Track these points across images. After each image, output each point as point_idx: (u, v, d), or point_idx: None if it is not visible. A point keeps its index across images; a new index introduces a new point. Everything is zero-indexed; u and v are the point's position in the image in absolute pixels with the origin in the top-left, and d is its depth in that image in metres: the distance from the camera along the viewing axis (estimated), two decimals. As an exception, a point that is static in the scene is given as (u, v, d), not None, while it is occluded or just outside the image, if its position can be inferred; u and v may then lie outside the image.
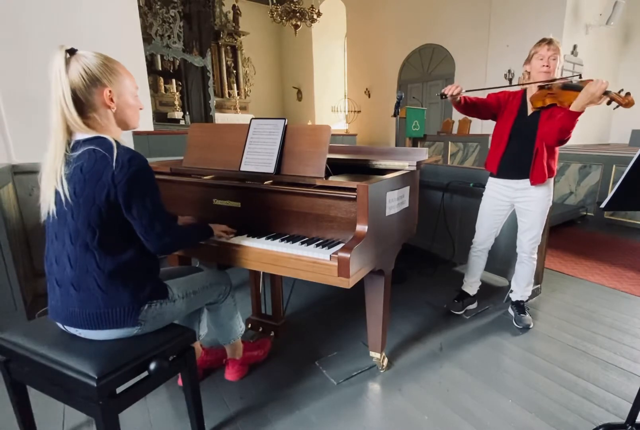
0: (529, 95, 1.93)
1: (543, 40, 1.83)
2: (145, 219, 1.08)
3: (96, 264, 1.06)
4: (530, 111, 1.91)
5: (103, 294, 1.07)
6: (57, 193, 1.04)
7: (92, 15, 2.97)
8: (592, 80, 1.66)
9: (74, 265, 1.07)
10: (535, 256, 2.14)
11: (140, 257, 1.13)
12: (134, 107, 1.16)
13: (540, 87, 1.86)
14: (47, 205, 1.06)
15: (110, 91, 1.08)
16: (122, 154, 1.03)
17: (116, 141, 1.06)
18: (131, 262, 1.11)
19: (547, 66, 1.81)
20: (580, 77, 1.79)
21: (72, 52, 1.05)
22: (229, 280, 1.55)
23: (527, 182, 1.95)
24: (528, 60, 1.91)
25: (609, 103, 1.62)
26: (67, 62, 1.03)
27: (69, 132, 1.05)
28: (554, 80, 1.82)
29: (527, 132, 1.89)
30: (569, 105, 1.72)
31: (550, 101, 1.81)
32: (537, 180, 1.92)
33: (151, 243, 1.13)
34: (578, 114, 1.67)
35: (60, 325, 1.15)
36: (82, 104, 1.05)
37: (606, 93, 1.59)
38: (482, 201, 2.16)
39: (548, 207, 2.03)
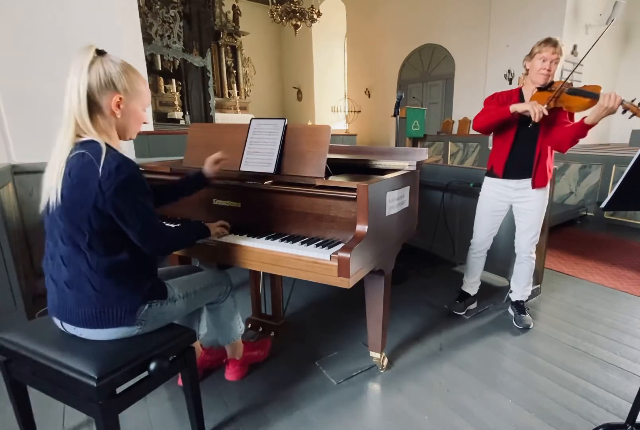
0: (525, 93, 1.93)
1: (549, 42, 1.77)
2: (139, 225, 1.07)
3: (88, 265, 1.06)
4: None
5: (97, 293, 1.07)
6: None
7: (92, 15, 2.97)
8: (597, 86, 1.68)
9: (67, 264, 1.07)
10: (534, 255, 2.15)
11: (134, 257, 1.12)
12: (138, 118, 1.16)
13: (540, 89, 1.85)
14: (47, 196, 1.04)
15: (120, 98, 1.08)
16: (110, 161, 1.01)
17: (108, 146, 1.05)
18: (125, 262, 1.10)
19: (548, 69, 1.78)
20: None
21: (101, 53, 1.06)
22: (229, 280, 1.55)
23: (527, 182, 1.95)
24: (530, 57, 1.86)
25: (623, 112, 1.64)
26: (93, 61, 1.04)
27: (77, 130, 1.05)
28: (553, 83, 1.83)
29: (529, 133, 1.88)
30: (578, 110, 1.74)
31: (554, 105, 1.79)
32: (540, 184, 1.93)
33: (148, 247, 1.13)
34: (592, 126, 1.69)
35: (59, 323, 1.14)
36: (91, 103, 1.05)
37: (621, 103, 1.60)
38: (479, 202, 2.15)
39: (546, 206, 2.04)
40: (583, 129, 1.71)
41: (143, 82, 1.14)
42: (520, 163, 1.94)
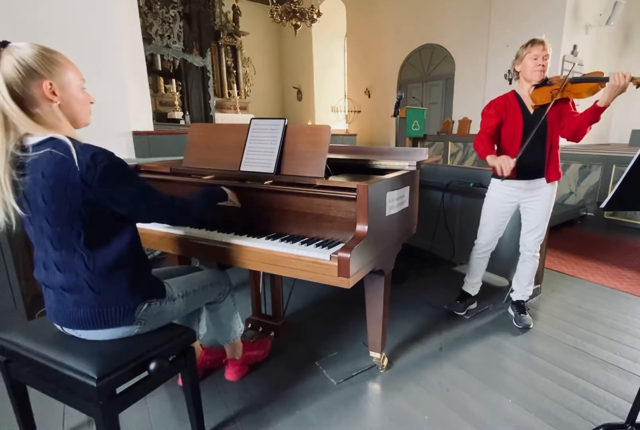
0: (521, 93, 1.95)
1: (535, 41, 1.85)
2: (142, 203, 1.06)
3: (85, 265, 1.04)
4: (531, 109, 1.91)
5: (95, 294, 1.06)
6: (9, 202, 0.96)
7: (92, 16, 2.97)
8: (598, 71, 1.71)
9: (62, 269, 1.05)
10: (538, 254, 2.14)
11: (129, 254, 1.10)
12: (82, 100, 1.06)
13: (536, 86, 1.88)
14: (4, 213, 0.98)
15: (50, 83, 0.97)
16: (83, 153, 0.95)
17: (71, 139, 0.97)
18: (120, 260, 1.07)
19: (543, 65, 1.84)
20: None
21: (3, 44, 0.95)
22: (228, 280, 1.55)
23: (540, 181, 1.96)
24: (519, 60, 1.90)
25: (637, 87, 1.65)
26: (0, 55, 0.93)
27: (8, 130, 0.95)
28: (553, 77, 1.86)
29: (537, 131, 1.86)
30: (587, 96, 1.77)
31: (561, 96, 1.82)
32: (554, 177, 1.95)
33: (166, 219, 1.17)
34: (606, 108, 1.71)
35: (59, 327, 1.14)
36: (21, 99, 0.95)
37: (632, 80, 1.62)
38: (485, 203, 2.13)
39: (552, 205, 2.04)
40: (597, 112, 1.73)
41: (64, 60, 1.02)
42: (532, 161, 1.92)
